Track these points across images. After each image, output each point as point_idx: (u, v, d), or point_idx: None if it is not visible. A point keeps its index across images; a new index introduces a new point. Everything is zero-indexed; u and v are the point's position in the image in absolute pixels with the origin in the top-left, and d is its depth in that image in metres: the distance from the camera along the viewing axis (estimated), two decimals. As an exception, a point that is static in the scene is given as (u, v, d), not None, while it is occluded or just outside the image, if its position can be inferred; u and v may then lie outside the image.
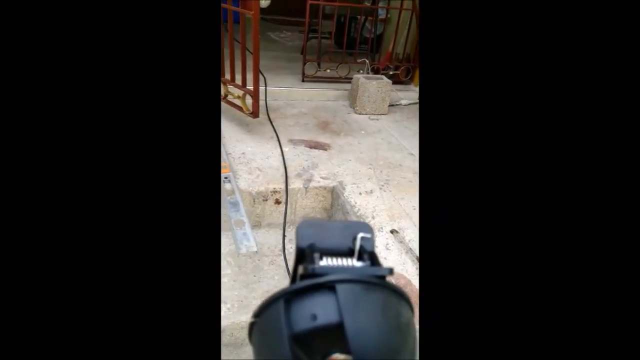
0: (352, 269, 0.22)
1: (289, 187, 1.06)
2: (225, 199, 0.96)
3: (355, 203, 1.01)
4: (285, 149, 1.23)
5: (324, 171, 1.15)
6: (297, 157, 1.21)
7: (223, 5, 1.16)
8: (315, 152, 1.25)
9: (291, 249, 1.01)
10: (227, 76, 1.26)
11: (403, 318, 0.21)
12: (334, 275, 0.20)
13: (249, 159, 1.16)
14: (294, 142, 1.30)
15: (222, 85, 1.29)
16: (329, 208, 1.13)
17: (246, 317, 0.85)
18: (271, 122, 1.39)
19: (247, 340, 0.90)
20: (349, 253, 0.23)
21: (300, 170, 1.14)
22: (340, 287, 0.19)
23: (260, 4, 1.01)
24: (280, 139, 1.29)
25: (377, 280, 0.21)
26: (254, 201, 1.05)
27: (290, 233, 1.05)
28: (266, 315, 0.20)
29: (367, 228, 0.24)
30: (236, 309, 0.86)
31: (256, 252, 0.81)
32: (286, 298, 0.20)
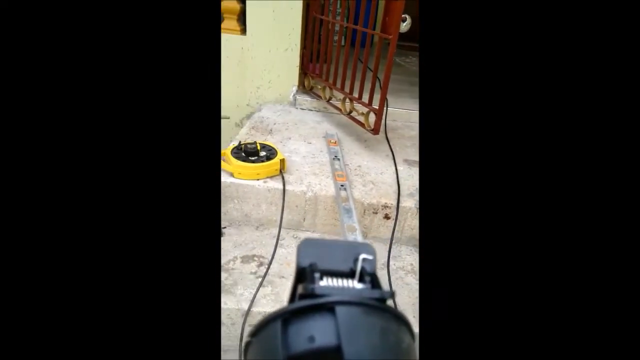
0: (353, 290, 0.21)
1: (400, 205, 1.07)
2: (340, 205, 1.03)
3: (469, 232, 0.96)
4: (399, 168, 1.25)
5: (438, 195, 1.13)
6: (411, 177, 1.21)
7: (362, 29, 1.27)
8: (430, 175, 1.24)
9: (394, 266, 1.02)
10: (355, 94, 1.36)
11: (403, 344, 0.19)
12: (334, 297, 0.19)
13: (364, 172, 1.22)
14: (409, 162, 1.31)
15: (348, 102, 1.39)
16: (437, 233, 1.10)
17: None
18: (388, 141, 1.43)
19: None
20: (350, 274, 0.23)
21: (412, 191, 1.14)
22: (339, 309, 0.19)
23: (401, 28, 1.07)
24: (396, 157, 1.31)
25: (377, 303, 0.20)
26: (364, 212, 1.09)
27: (395, 250, 1.06)
28: (262, 335, 0.20)
29: (370, 249, 0.23)
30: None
31: (364, 258, 0.84)
32: (284, 318, 0.19)
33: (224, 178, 1.10)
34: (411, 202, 1.09)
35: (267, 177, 1.11)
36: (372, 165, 1.26)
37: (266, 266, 1.00)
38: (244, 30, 1.63)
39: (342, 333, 0.18)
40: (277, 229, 1.13)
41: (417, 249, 1.13)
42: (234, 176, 1.09)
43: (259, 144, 1.15)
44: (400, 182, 1.16)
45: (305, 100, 1.68)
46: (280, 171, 1.13)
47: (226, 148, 1.16)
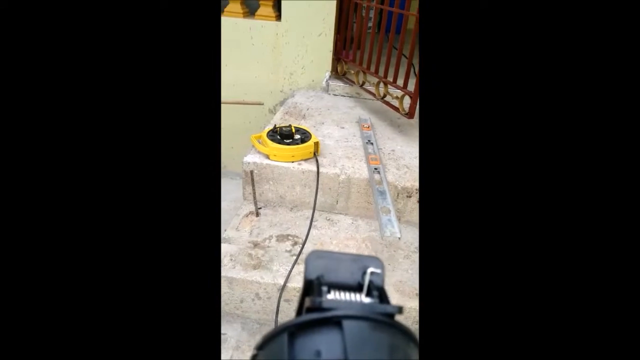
0: (361, 304, 0.21)
1: (434, 188, 1.07)
2: (374, 187, 1.03)
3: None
4: (434, 153, 1.23)
5: (474, 180, 1.11)
6: (446, 161, 1.20)
7: (398, 10, 1.25)
8: (466, 160, 1.22)
9: (427, 249, 1.02)
10: (390, 78, 1.34)
11: None
12: (341, 311, 0.19)
13: (398, 156, 1.21)
14: (444, 147, 1.29)
15: (383, 86, 1.38)
16: (472, 218, 1.09)
17: (377, 298, 0.90)
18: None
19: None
20: (358, 288, 0.22)
21: (447, 175, 1.13)
22: (346, 324, 0.18)
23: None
24: (430, 142, 1.29)
25: (385, 318, 0.20)
26: (398, 195, 1.09)
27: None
28: (269, 349, 0.19)
29: (378, 263, 0.23)
30: (368, 287, 0.92)
31: (399, 238, 0.85)
32: (290, 332, 0.19)
33: (260, 160, 1.13)
34: (446, 186, 1.08)
35: (302, 160, 1.14)
36: (406, 149, 1.26)
37: (300, 245, 1.03)
38: (278, 17, 1.65)
39: (348, 348, 0.18)
40: (310, 210, 1.15)
41: (451, 234, 1.12)
42: (270, 158, 1.12)
43: (294, 127, 1.17)
44: (434, 167, 1.15)
45: (338, 85, 1.68)
46: (314, 154, 1.15)
47: (262, 131, 1.19)
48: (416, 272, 0.98)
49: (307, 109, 1.52)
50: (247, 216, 1.14)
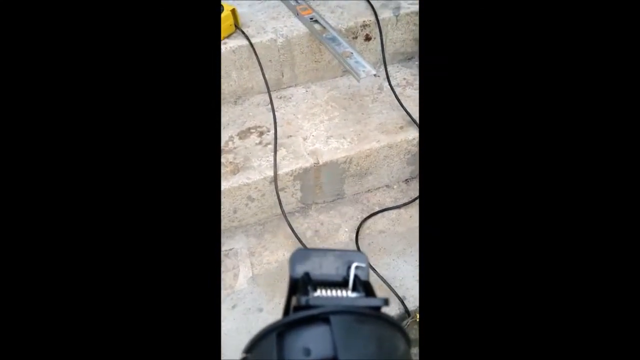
0: (347, 299, 0.22)
1: (380, 18, 0.97)
2: (322, 37, 0.90)
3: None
4: (359, -17, 1.09)
5: (410, -2, 1.03)
6: (375, -12, 1.08)
7: None
8: (392, -20, 1.11)
9: (397, 87, 0.98)
10: None
11: (399, 351, 0.20)
12: (328, 307, 0.19)
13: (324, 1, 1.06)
14: (365, -26, 1.15)
15: None
16: (418, 39, 1.05)
17: (369, 146, 0.88)
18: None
19: (370, 169, 0.93)
20: (344, 283, 0.23)
21: (384, 1, 1.03)
22: (334, 319, 0.19)
23: None
24: (349, -26, 1.14)
25: (371, 311, 0.20)
26: (344, 41, 0.99)
27: (380, 71, 1.00)
28: (258, 350, 0.20)
29: (362, 257, 0.24)
30: (356, 141, 0.89)
31: (375, 75, 0.78)
32: (278, 332, 0.19)
33: (175, 56, 0.90)
34: (388, 13, 0.99)
35: (225, 39, 0.93)
36: (328, -10, 1.09)
37: (266, 134, 0.92)
38: None
39: (337, 344, 0.18)
40: (257, 95, 1.01)
41: (403, 64, 1.09)
42: (186, 49, 0.90)
43: None
44: (368, -4, 1.03)
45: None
46: (235, 25, 0.94)
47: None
48: (391, 109, 0.96)
49: (191, -18, 1.20)
50: (191, 128, 0.96)
